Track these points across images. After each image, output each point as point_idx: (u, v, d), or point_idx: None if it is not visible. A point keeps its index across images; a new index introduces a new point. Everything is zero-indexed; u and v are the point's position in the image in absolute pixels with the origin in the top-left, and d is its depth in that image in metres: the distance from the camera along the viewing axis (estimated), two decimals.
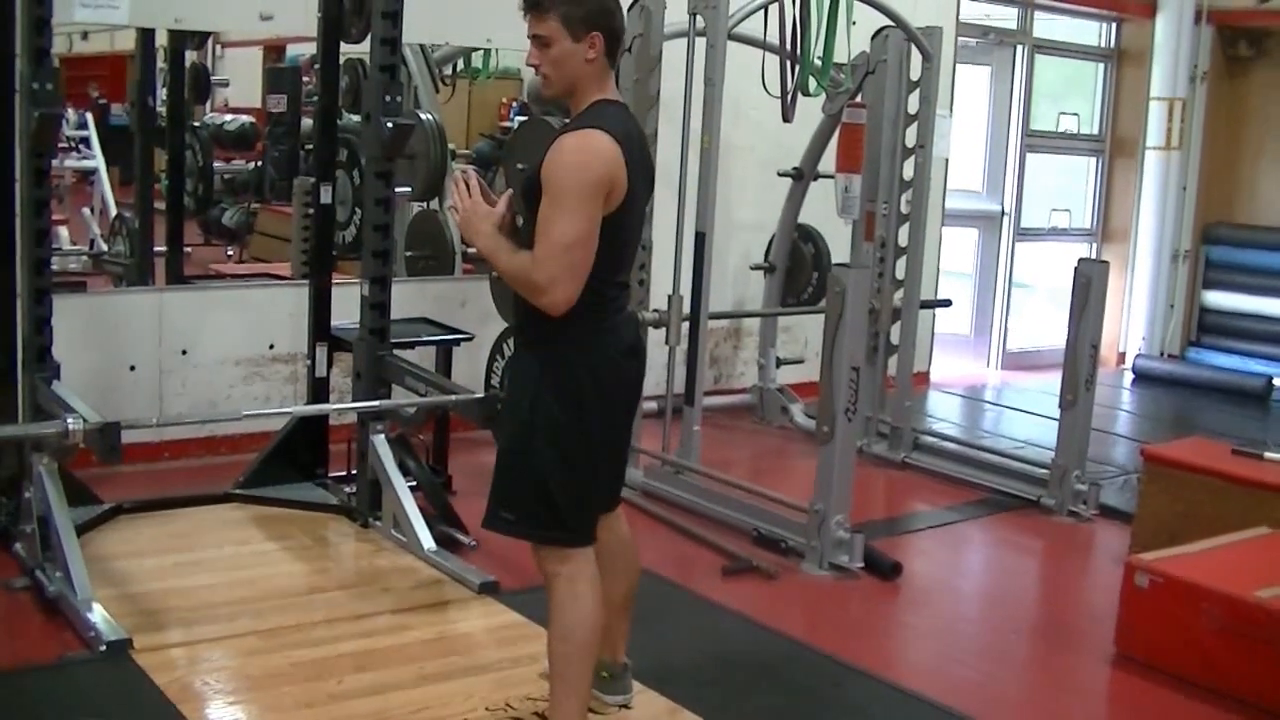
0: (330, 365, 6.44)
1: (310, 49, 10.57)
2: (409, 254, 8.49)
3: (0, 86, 5.35)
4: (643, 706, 4.31)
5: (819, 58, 7.02)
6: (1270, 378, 10.79)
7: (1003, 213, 11.27)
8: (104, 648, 4.55)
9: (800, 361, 8.89)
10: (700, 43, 6.61)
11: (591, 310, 3.66)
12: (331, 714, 4.17)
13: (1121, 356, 11.77)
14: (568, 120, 3.80)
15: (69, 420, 4.73)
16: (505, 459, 3.83)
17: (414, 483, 5.94)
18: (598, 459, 3.82)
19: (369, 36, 5.92)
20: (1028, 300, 11.93)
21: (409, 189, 8.24)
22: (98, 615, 4.72)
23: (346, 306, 6.30)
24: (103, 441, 4.72)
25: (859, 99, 7.66)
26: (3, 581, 5.15)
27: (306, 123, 10.48)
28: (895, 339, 8.00)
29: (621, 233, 3.72)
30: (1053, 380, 7.55)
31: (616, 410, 3.84)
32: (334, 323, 6.40)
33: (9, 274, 5.48)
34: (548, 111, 8.48)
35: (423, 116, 8.20)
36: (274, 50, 12.81)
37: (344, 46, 6.37)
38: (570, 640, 3.79)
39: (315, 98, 6.50)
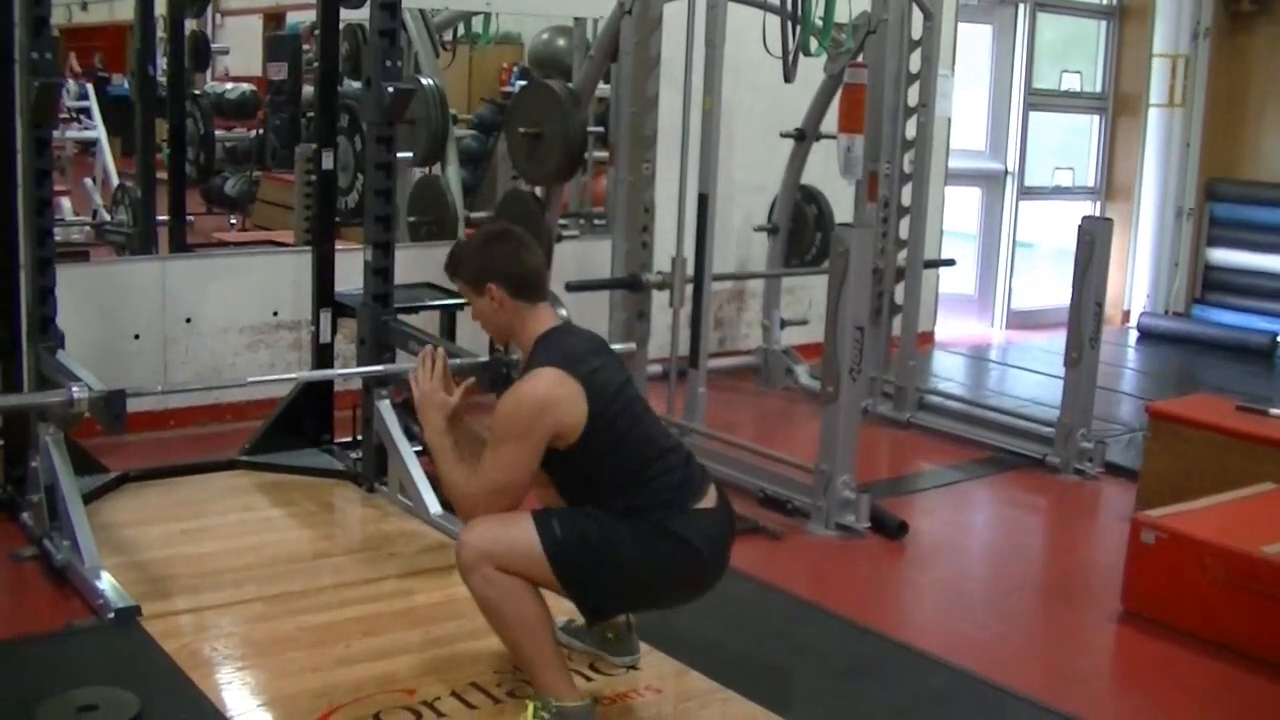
0: (334, 331, 6.44)
1: (310, 16, 10.60)
2: (411, 219, 8.48)
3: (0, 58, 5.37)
4: (651, 667, 4.33)
5: (820, 18, 6.98)
6: (1275, 335, 10.76)
7: (1006, 172, 11.24)
8: (112, 615, 4.56)
9: (804, 323, 8.88)
10: (700, 4, 6.58)
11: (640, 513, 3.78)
12: (340, 678, 4.18)
13: (1126, 314, 11.77)
14: None
15: (74, 389, 4.73)
16: None
17: (419, 448, 5.95)
18: None
19: (369, 2, 5.90)
20: (1032, 259, 11.90)
21: (410, 155, 8.22)
22: (105, 583, 4.72)
23: (350, 273, 6.30)
24: (108, 410, 4.73)
25: (860, 59, 7.63)
26: (10, 551, 5.17)
27: (307, 90, 10.46)
28: (899, 299, 7.99)
29: (610, 447, 3.80)
30: (1057, 339, 7.55)
31: None
32: (337, 289, 6.41)
33: (11, 245, 5.49)
34: (549, 75, 8.49)
35: (424, 82, 8.18)
36: (273, 18, 12.78)
37: (344, 12, 6.36)
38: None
39: (316, 65, 6.49)
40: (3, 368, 5.58)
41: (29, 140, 5.28)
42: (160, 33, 8.97)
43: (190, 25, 9.88)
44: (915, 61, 7.83)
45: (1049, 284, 11.48)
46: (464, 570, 3.73)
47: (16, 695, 4.00)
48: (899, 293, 7.98)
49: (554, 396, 3.68)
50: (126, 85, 11.56)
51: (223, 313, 7.13)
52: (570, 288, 6.74)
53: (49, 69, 5.13)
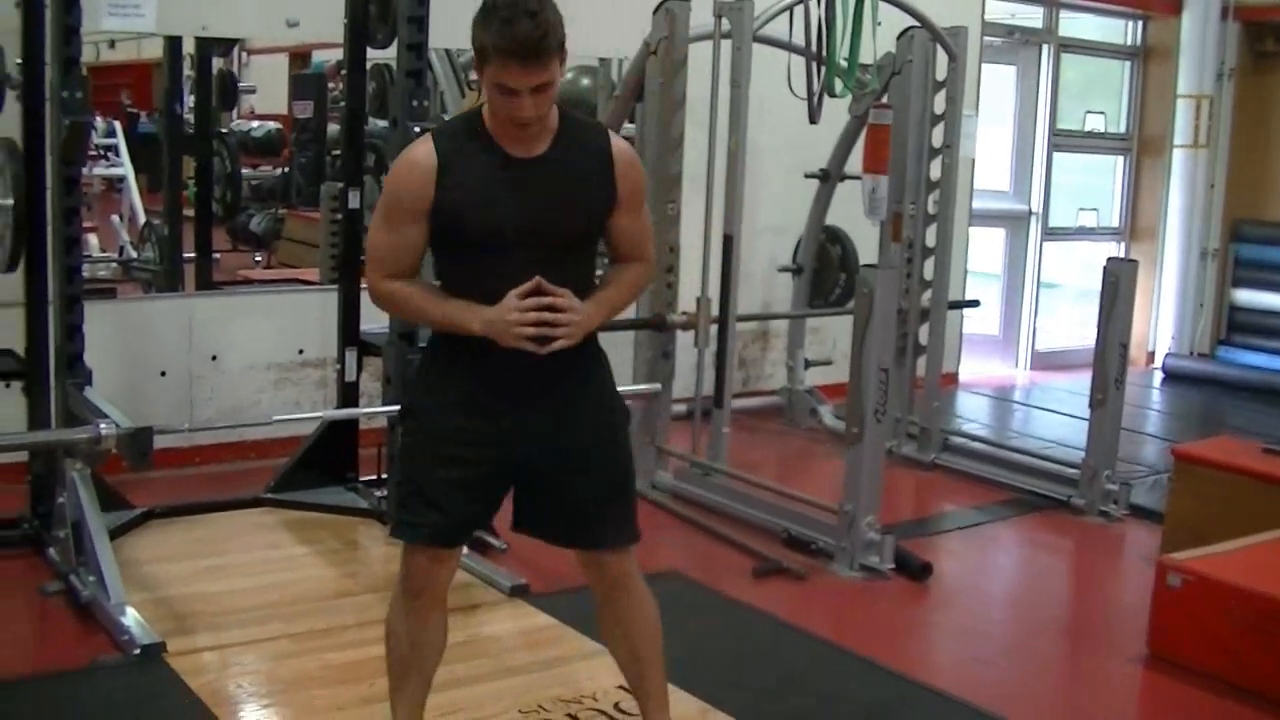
0: (360, 370, 6.46)
1: (335, 55, 10.65)
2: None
3: (30, 96, 5.41)
4: (674, 706, 4.29)
5: (845, 59, 7.01)
6: None
7: (1030, 212, 11.25)
8: (138, 651, 4.58)
9: (828, 363, 8.88)
10: (726, 45, 6.62)
11: None
12: (363, 716, 4.19)
13: (1151, 356, 11.74)
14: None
15: (102, 426, 4.77)
16: (631, 470, 3.71)
17: None
18: None
19: (395, 42, 5.94)
20: (1056, 300, 11.89)
21: None
22: (131, 619, 4.74)
23: (374, 311, 6.28)
24: (135, 447, 4.75)
25: (885, 100, 7.65)
26: (37, 586, 5.19)
27: (332, 128, 10.53)
28: (924, 340, 7.99)
29: None
30: (1082, 380, 7.54)
31: None
32: (363, 327, 6.43)
33: (40, 281, 5.53)
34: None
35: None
36: (299, 57, 12.83)
37: (371, 52, 6.40)
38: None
39: (341, 104, 6.52)
40: (30, 404, 5.61)
41: (58, 178, 5.32)
42: (188, 71, 9.04)
43: (218, 64, 9.95)
44: (940, 102, 7.84)
45: (1073, 325, 11.47)
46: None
47: None
48: (923, 333, 7.99)
49: None
50: (152, 122, 11.66)
51: (248, 350, 7.16)
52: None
53: (79, 108, 5.17)
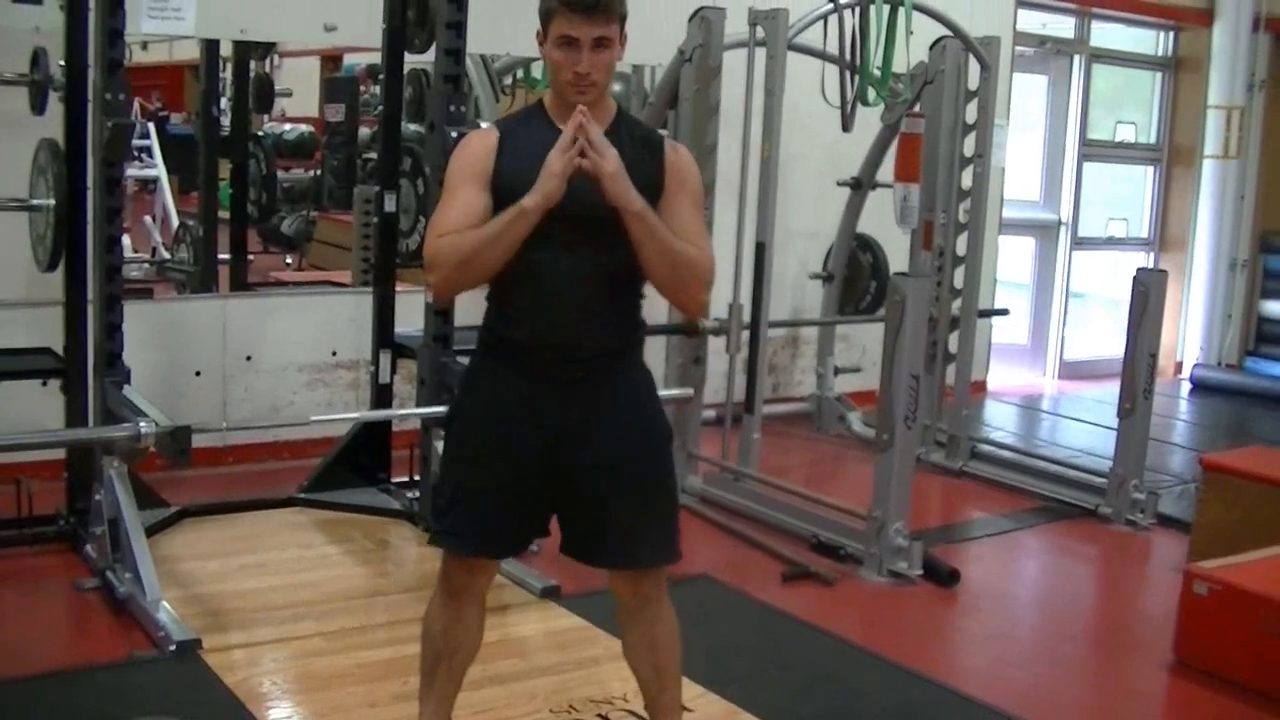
0: (394, 372, 6.50)
1: (367, 59, 10.72)
2: None
3: (73, 97, 5.47)
4: (702, 708, 4.35)
5: (878, 67, 7.05)
6: None
7: (1060, 222, 11.26)
8: (173, 647, 4.63)
9: (858, 370, 8.91)
10: (760, 53, 6.65)
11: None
12: (396, 714, 4.23)
13: (1179, 366, 11.74)
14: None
15: (141, 424, 4.83)
16: (671, 488, 3.68)
17: None
18: None
19: (432, 47, 5.99)
20: (1085, 309, 11.90)
21: None
22: (166, 615, 4.80)
23: (407, 314, 6.37)
24: (174, 445, 4.81)
25: (917, 108, 7.68)
26: (74, 582, 5.25)
27: (364, 132, 10.59)
28: (953, 348, 8.02)
29: None
30: (1110, 390, 7.56)
31: None
32: (398, 329, 6.47)
33: (80, 281, 5.59)
34: None
35: (484, 126, 8.25)
36: (331, 60, 12.91)
37: (408, 56, 6.45)
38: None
39: (371, 108, 6.56)
40: (68, 402, 5.67)
41: (100, 178, 5.38)
42: (222, 73, 9.10)
43: (254, 67, 10.02)
44: (971, 111, 7.87)
45: (1102, 335, 11.47)
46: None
47: None
48: (953, 341, 8.01)
49: None
50: (183, 124, 11.73)
51: (282, 351, 7.21)
52: None
53: (121, 109, 5.23)
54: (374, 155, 8.22)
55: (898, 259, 8.32)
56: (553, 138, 3.26)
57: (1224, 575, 5.08)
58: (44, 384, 6.00)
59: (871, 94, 7.11)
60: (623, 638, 3.74)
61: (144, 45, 9.99)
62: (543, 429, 3.42)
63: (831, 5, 6.87)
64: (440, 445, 3.92)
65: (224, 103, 9.33)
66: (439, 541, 3.58)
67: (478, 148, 3.40)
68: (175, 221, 10.46)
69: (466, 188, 3.36)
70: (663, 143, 3.51)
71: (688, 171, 3.50)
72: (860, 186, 8.33)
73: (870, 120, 7.79)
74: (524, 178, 3.26)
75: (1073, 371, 11.34)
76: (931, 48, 7.67)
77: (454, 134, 5.69)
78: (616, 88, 9.23)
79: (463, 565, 3.56)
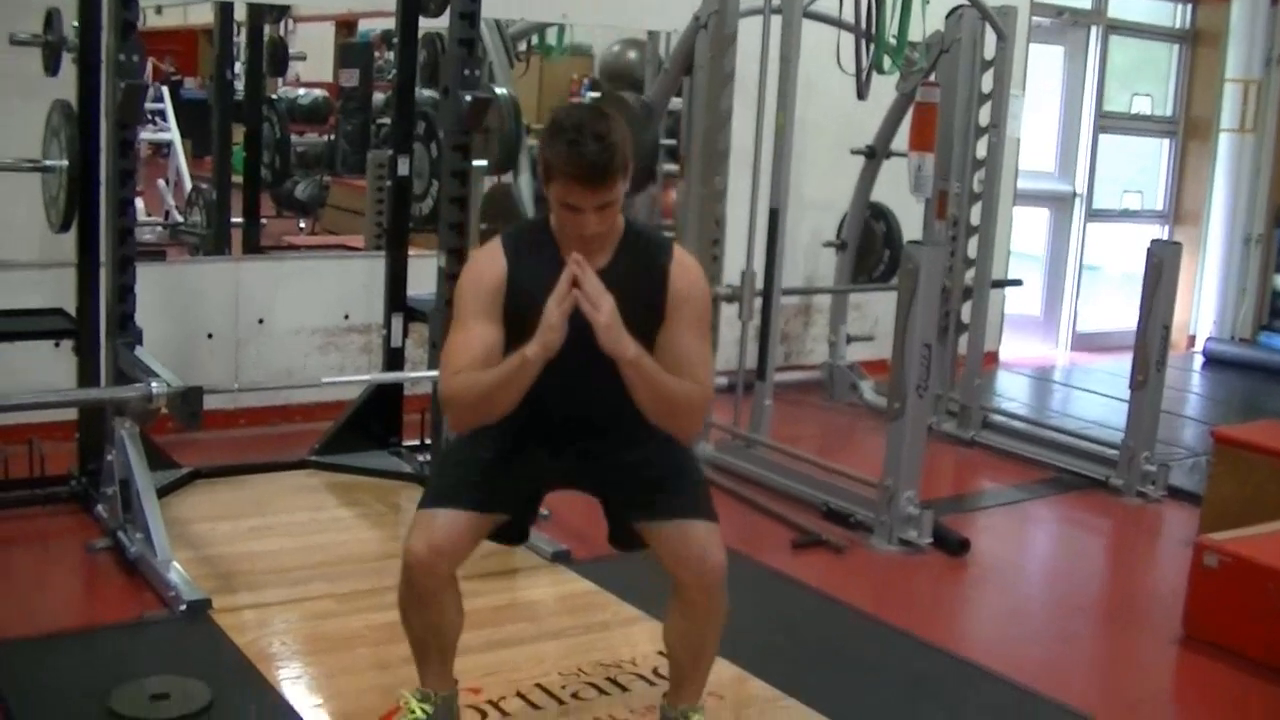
0: (405, 335, 6.50)
1: (381, 24, 10.69)
2: (483, 227, 8.54)
3: (86, 59, 5.46)
4: (713, 673, 4.34)
5: (894, 36, 7.02)
6: None
7: (1074, 194, 11.24)
8: (184, 608, 4.63)
9: (870, 339, 8.91)
10: (776, 20, 6.63)
11: None
12: (405, 676, 4.20)
13: (1191, 340, 11.72)
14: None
15: (153, 385, 4.84)
16: (697, 472, 3.73)
17: None
18: None
19: (447, 11, 5.97)
20: (1098, 282, 11.87)
21: (485, 163, 8.29)
22: (177, 576, 4.80)
23: (419, 278, 6.36)
24: (185, 406, 4.82)
25: (933, 78, 7.66)
26: (85, 542, 5.27)
27: (378, 97, 10.57)
28: (966, 318, 8.01)
29: None
30: (1122, 362, 7.54)
31: None
32: (410, 293, 6.47)
33: (93, 242, 5.59)
34: (619, 88, 8.53)
35: (498, 91, 8.25)
36: (346, 25, 12.91)
37: (422, 21, 6.43)
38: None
39: (385, 73, 6.55)
40: (81, 363, 5.67)
41: (113, 141, 5.38)
42: (236, 37, 9.09)
43: (268, 31, 10.00)
44: (987, 81, 7.84)
45: (1115, 307, 11.45)
46: (719, 587, 3.61)
47: (91, 682, 4.07)
48: (965, 311, 8.00)
49: None
50: (197, 89, 11.72)
51: (294, 315, 7.21)
52: None
53: (135, 71, 5.22)
54: (388, 120, 8.21)
55: (911, 228, 8.31)
56: (557, 272, 3.27)
57: (1234, 547, 5.07)
58: (56, 345, 6.02)
59: (887, 62, 7.08)
60: (668, 619, 3.69)
61: (158, 9, 10.00)
62: (551, 440, 3.57)
63: None
64: None
65: (238, 67, 9.32)
66: (423, 503, 3.58)
67: (489, 280, 3.43)
68: (189, 185, 10.48)
69: (477, 323, 3.41)
70: (669, 264, 3.48)
71: (692, 292, 3.48)
72: (874, 155, 8.30)
73: (885, 89, 7.76)
74: (534, 311, 3.27)
75: (1085, 343, 11.34)
76: (948, 17, 7.65)
77: (467, 98, 5.68)
78: (632, 55, 9.24)
79: (424, 546, 3.47)
